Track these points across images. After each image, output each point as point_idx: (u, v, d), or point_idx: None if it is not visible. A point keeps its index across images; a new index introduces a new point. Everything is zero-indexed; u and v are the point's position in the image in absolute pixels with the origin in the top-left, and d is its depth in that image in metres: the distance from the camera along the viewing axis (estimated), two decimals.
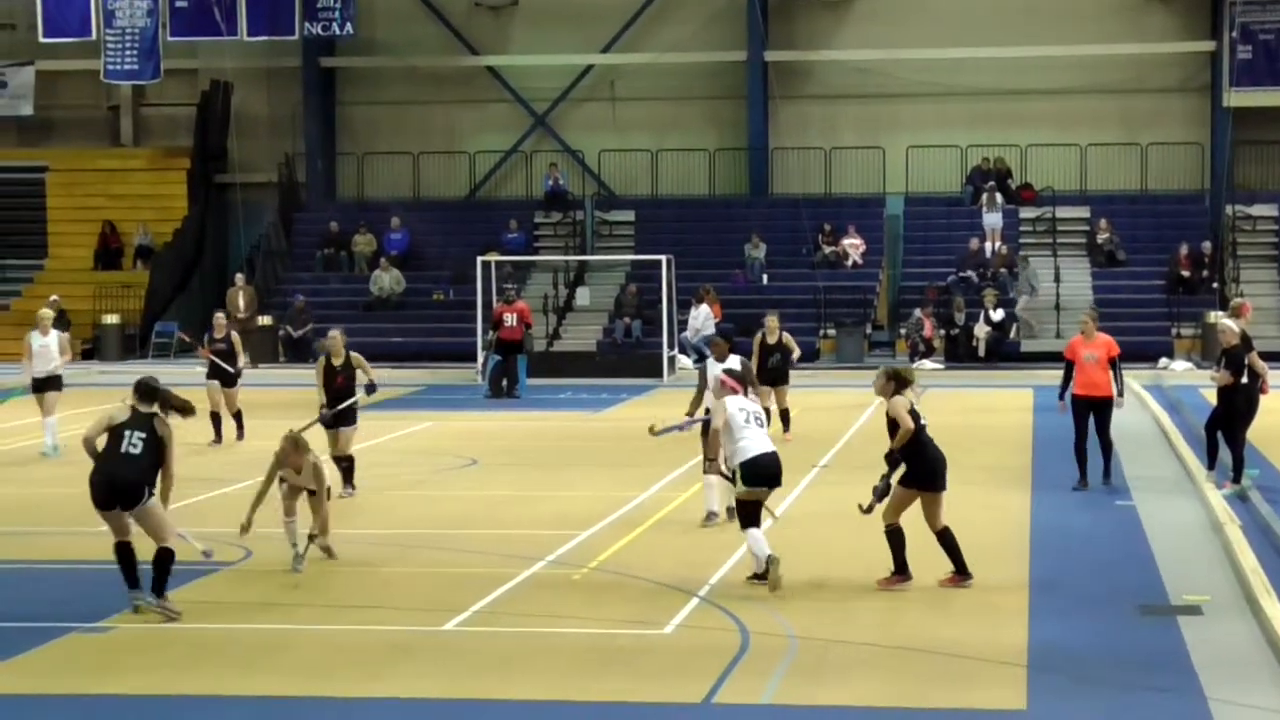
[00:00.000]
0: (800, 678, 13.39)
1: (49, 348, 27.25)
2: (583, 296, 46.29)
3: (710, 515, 19.64)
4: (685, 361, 40.93)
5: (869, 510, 16.46)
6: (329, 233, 48.56)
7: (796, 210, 48.19)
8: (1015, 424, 30.96)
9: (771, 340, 28.59)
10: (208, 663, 14.11)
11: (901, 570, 16.47)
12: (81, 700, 13.06)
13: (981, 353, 43.09)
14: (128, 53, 45.74)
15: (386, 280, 46.50)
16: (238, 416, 28.58)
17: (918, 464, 16.51)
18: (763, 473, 16.62)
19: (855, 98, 49.78)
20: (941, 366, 42.52)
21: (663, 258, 42.06)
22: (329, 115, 51.03)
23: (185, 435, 27.29)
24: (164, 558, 15.47)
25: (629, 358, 42.12)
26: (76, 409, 34.14)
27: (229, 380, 28.43)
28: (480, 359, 40.10)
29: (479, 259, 42.82)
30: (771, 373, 28.07)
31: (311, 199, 50.47)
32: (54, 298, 45.47)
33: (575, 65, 50.38)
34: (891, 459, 16.53)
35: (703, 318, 39.52)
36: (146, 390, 15.57)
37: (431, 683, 13.38)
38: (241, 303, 44.01)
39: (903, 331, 44.50)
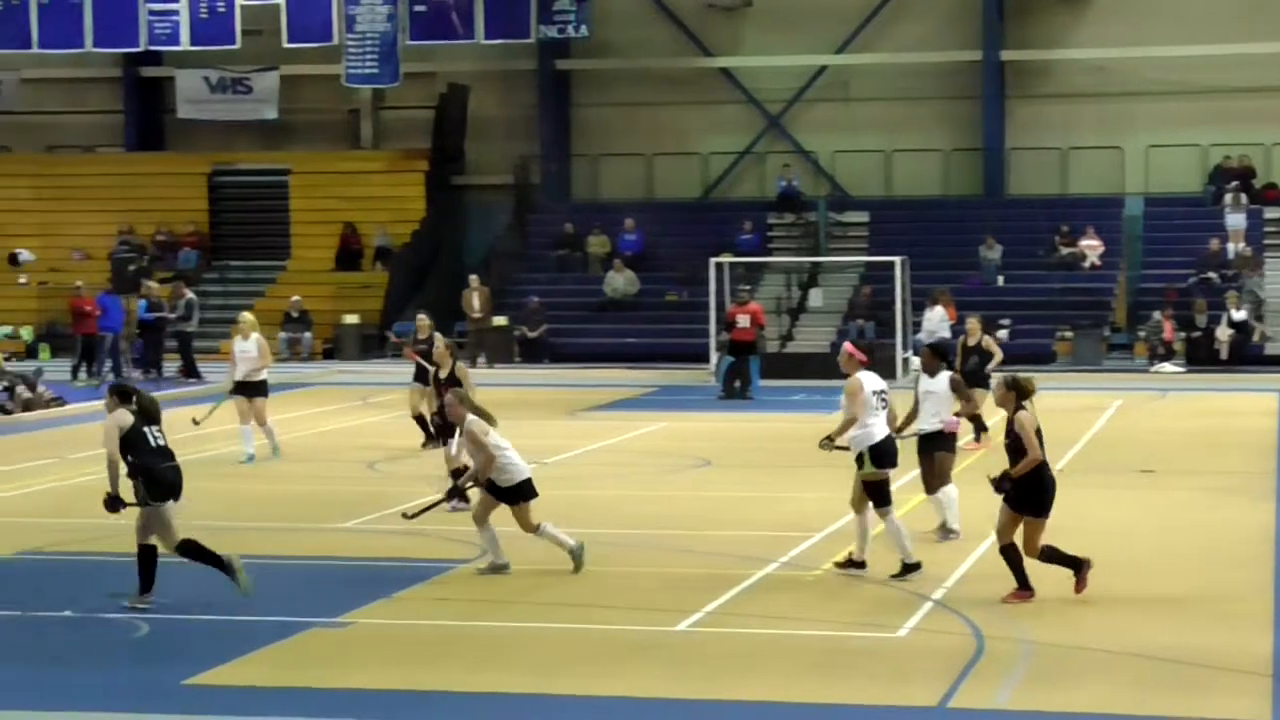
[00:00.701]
0: (1036, 684, 13.22)
1: (249, 352, 26.83)
2: (816, 298, 46.13)
3: (948, 531, 19.17)
4: (918, 364, 40.56)
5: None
6: (563, 234, 48.93)
7: (1032, 211, 47.60)
8: (1259, 428, 30.31)
9: (971, 342, 28.11)
10: (442, 659, 14.28)
11: (1024, 585, 15.83)
12: (321, 693, 13.28)
13: (1224, 355, 42.22)
14: (368, 57, 46.45)
15: (620, 281, 46.72)
16: (420, 420, 27.99)
17: (1031, 486, 15.69)
18: (889, 455, 17.12)
19: (1093, 96, 49.05)
20: (1182, 369, 41.75)
21: (896, 259, 41.78)
22: (563, 117, 51.42)
23: (405, 441, 27.65)
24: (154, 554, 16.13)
25: None
26: (318, 408, 34.77)
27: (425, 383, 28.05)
28: (713, 360, 40.14)
29: (712, 260, 42.85)
30: (967, 376, 27.49)
31: (546, 200, 50.88)
32: (295, 298, 46.37)
33: (809, 66, 50.23)
34: (1003, 486, 15.71)
35: (937, 320, 39.16)
36: (127, 391, 16.36)
37: (661, 683, 13.40)
38: (476, 303, 44.48)
39: (1142, 334, 43.76)
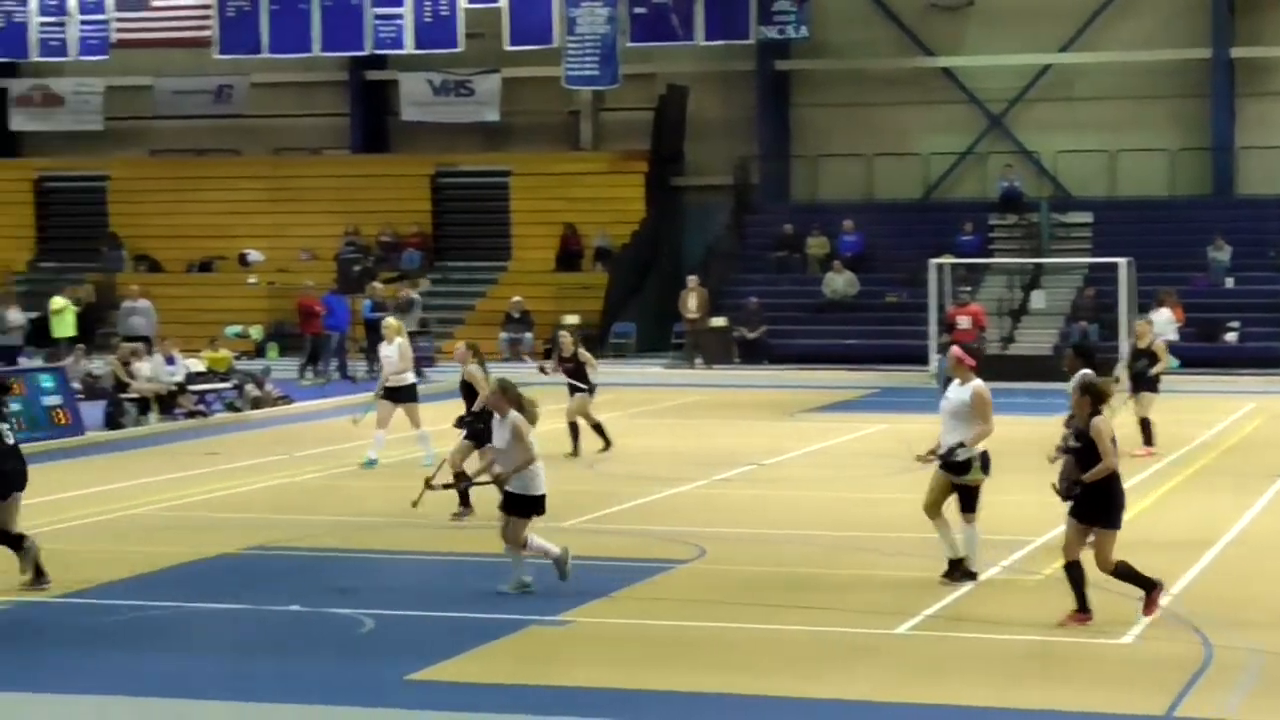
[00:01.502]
0: (1267, 693, 12.94)
1: (390, 357, 26.35)
2: (1038, 300, 45.57)
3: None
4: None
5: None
6: (782, 235, 48.83)
7: (1263, 211, 46.62)
8: None
9: (1141, 345, 27.47)
10: (660, 658, 14.30)
11: (1084, 608, 15.12)
12: (539, 690, 13.37)
13: None
14: (588, 59, 46.71)
15: (839, 282, 46.54)
16: (598, 428, 27.80)
17: (1101, 497, 15.03)
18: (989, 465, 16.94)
19: None
20: None
21: (1121, 260, 41.16)
22: (782, 118, 51.32)
23: (625, 440, 27.72)
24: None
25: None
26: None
27: (577, 390, 27.68)
28: (933, 362, 39.84)
29: (932, 261, 42.52)
30: (1134, 379, 26.90)
31: (764, 201, 50.81)
32: (516, 299, 46.76)
33: (1032, 65, 49.65)
34: (1072, 492, 15.07)
35: (1163, 322, 38.53)
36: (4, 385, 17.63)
37: (880, 686, 13.32)
38: (693, 304, 44.55)
39: None
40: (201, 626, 15.88)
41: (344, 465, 26.55)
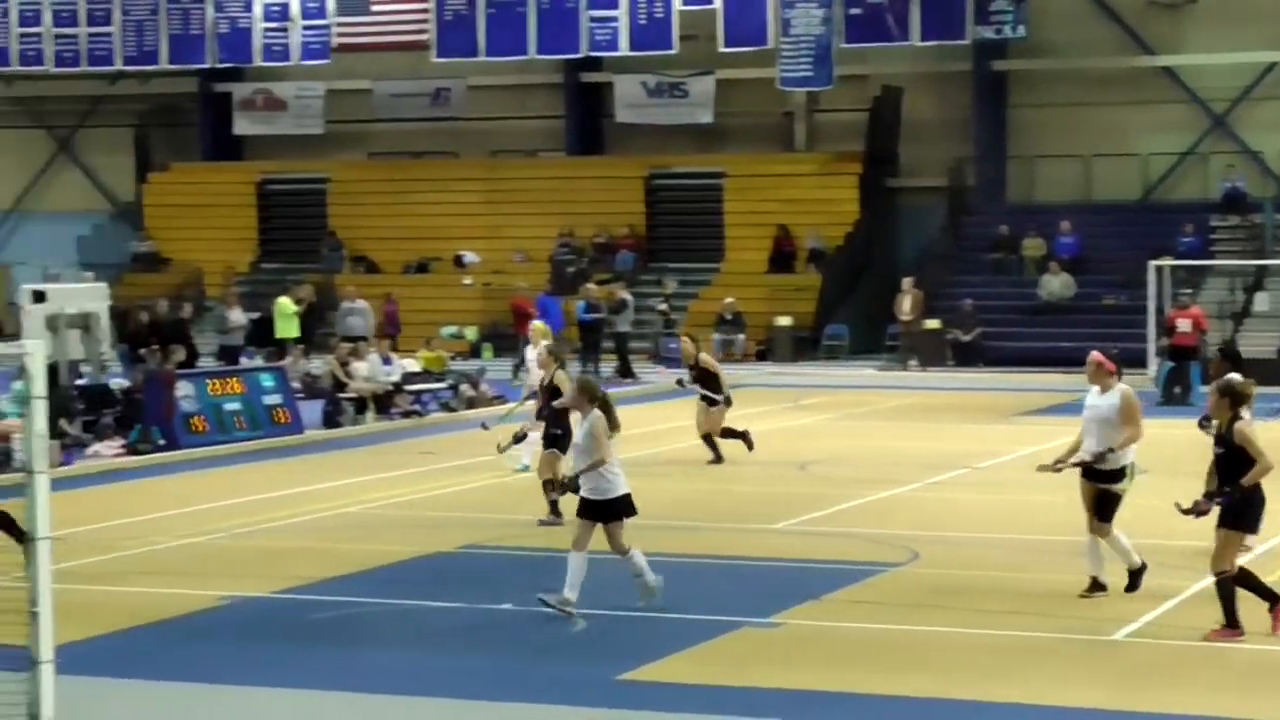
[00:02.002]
0: None
1: (533, 363, 25.54)
2: (1261, 302, 44.65)
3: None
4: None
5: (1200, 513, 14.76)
6: (998, 236, 48.34)
7: None
8: None
9: None
10: (869, 661, 14.24)
11: (1233, 624, 14.61)
12: (749, 691, 13.36)
13: None
14: (802, 60, 46.57)
15: (1056, 284, 45.95)
16: (729, 433, 27.07)
17: (1247, 502, 14.54)
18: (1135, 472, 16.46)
19: None
20: None
21: None
22: (999, 118, 50.77)
23: (838, 442, 27.52)
24: None
25: None
26: (750, 409, 34.96)
27: (712, 403, 27.11)
28: (1152, 365, 39.20)
29: (1151, 263, 41.84)
30: None
31: (980, 202, 50.32)
32: (729, 300, 46.76)
33: (1256, 63, 48.66)
34: (1210, 505, 14.58)
35: None
36: None
37: (1094, 692, 13.13)
38: (907, 306, 44.24)
39: None
40: (415, 623, 16.06)
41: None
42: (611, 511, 16.04)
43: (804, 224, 49.58)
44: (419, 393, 34.33)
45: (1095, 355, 17.16)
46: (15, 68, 51.13)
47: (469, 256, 51.29)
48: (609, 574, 16.56)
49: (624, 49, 47.13)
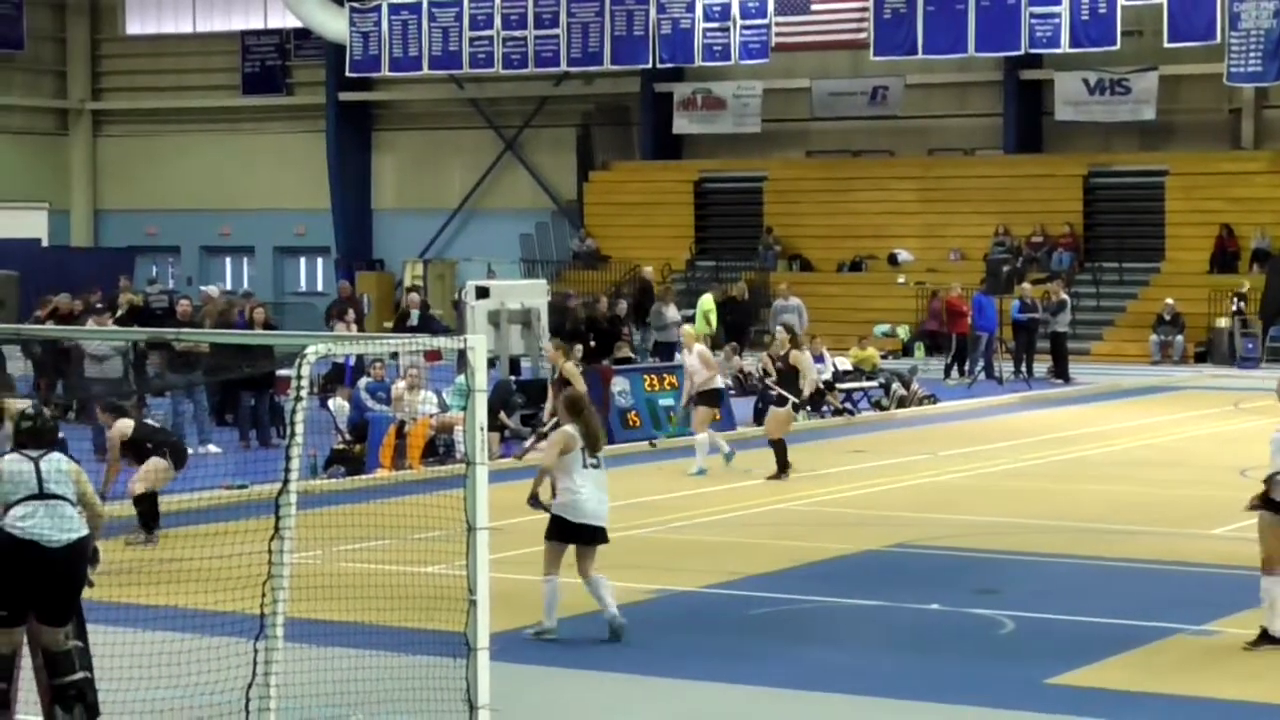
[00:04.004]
0: None
1: (694, 366, 25.79)
2: None
3: None
4: None
5: None
6: None
7: None
8: None
9: None
10: None
11: None
12: (1181, 700, 13.08)
13: None
14: (1252, 55, 45.28)
15: None
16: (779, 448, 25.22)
17: None
18: None
19: None
20: None
21: None
22: None
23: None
24: None
25: None
26: (1188, 411, 34.11)
27: (782, 402, 25.32)
28: None
29: None
30: None
31: None
32: (1168, 301, 45.67)
33: None
34: None
35: None
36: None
37: None
38: None
39: None
40: (844, 621, 16.12)
41: (992, 465, 26.49)
42: (572, 534, 15.03)
43: (1250, 223, 48.18)
44: (850, 391, 34.37)
45: None
46: (467, 70, 52.84)
47: (904, 255, 51.15)
48: (1041, 577, 16.40)
49: (1065, 46, 46.44)
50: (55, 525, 11.50)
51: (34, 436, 11.89)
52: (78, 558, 11.58)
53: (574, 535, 15.00)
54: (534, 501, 15.18)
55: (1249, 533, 20.12)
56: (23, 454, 11.77)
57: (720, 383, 27.23)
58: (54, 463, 11.74)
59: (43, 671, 11.69)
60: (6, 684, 11.60)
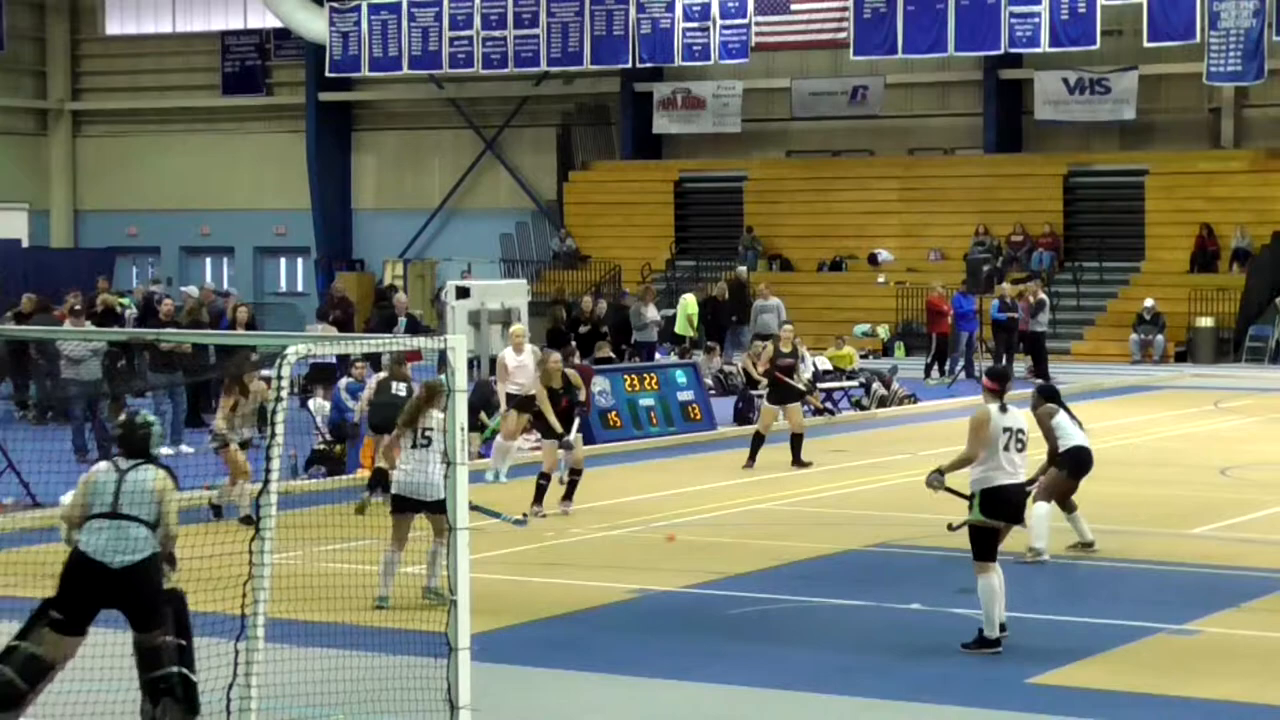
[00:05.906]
0: None
1: (526, 367, 24.68)
2: None
3: None
4: None
5: None
6: None
7: None
8: None
9: None
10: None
11: None
12: (1159, 700, 13.10)
13: None
14: (1230, 54, 45.34)
15: None
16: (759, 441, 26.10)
17: None
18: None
19: None
20: None
21: None
22: None
23: (1258, 447, 26.66)
24: None
25: None
26: (1168, 411, 34.19)
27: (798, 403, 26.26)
28: None
29: None
30: None
31: None
32: (1149, 301, 45.77)
33: None
34: None
35: None
36: None
37: None
38: None
39: None
40: (825, 621, 16.12)
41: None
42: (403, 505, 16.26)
43: (1230, 222, 48.27)
44: (831, 390, 34.38)
45: None
46: (447, 70, 52.79)
47: (884, 255, 51.18)
48: (1022, 577, 16.40)
49: (1045, 45, 46.48)
50: (116, 547, 11.40)
51: (124, 444, 11.79)
52: (138, 579, 11.44)
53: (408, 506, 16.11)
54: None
55: (1229, 532, 20.22)
56: (114, 464, 11.69)
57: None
58: (138, 480, 11.57)
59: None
60: (29, 688, 11.52)
